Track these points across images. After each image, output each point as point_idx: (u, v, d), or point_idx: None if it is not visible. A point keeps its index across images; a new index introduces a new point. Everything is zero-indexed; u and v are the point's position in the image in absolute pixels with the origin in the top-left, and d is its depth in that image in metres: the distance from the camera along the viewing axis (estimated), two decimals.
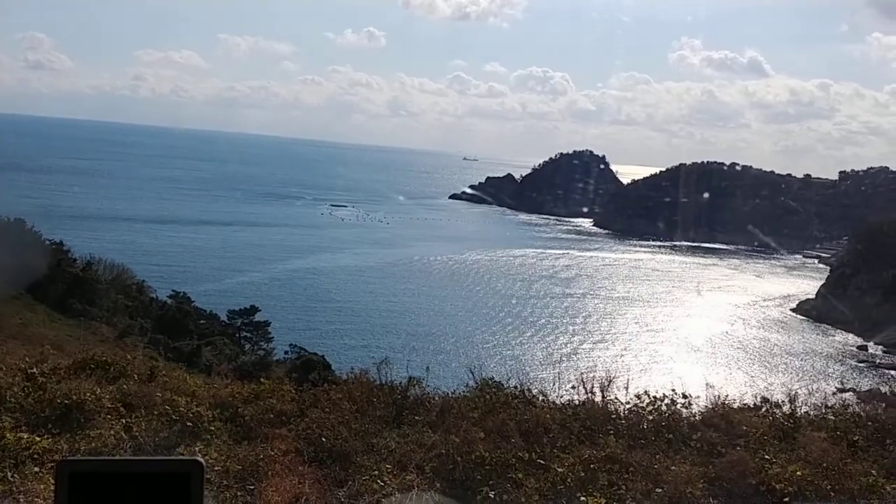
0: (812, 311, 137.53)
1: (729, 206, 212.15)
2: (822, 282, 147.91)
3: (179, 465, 2.91)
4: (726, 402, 13.75)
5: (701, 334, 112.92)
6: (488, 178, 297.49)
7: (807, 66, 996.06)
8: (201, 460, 2.93)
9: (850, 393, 63.01)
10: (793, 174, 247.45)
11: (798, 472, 10.34)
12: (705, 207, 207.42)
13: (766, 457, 10.96)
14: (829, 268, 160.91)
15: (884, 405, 15.58)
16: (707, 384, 14.69)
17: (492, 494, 9.78)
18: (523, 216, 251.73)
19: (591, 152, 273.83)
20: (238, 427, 11.71)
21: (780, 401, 14.36)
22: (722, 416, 12.90)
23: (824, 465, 10.82)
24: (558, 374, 17.77)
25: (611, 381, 13.96)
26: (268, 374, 30.87)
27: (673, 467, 10.51)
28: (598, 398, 13.57)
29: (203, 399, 12.53)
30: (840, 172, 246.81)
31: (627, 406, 13.22)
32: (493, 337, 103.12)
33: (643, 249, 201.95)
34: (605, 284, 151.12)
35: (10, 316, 49.75)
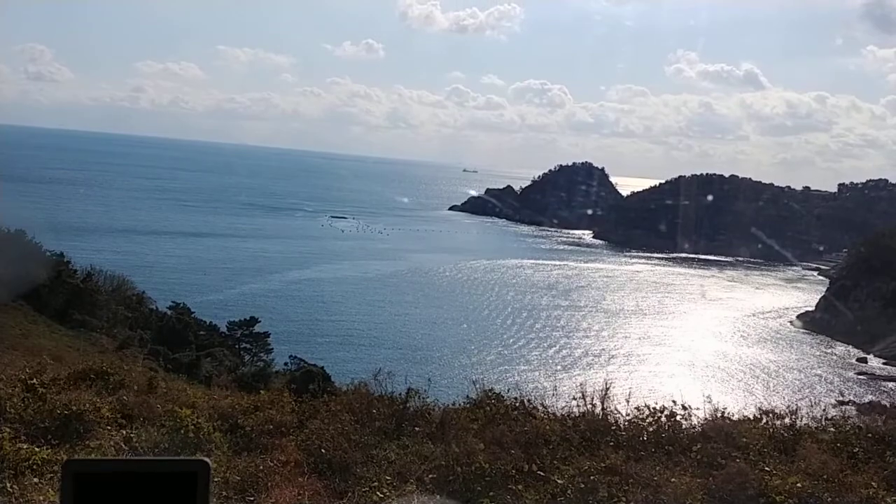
0: (812, 323, 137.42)
1: (728, 219, 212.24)
2: (822, 294, 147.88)
3: (185, 465, 2.88)
4: (726, 414, 13.74)
5: (701, 347, 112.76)
6: (488, 189, 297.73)
7: (803, 78, 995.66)
8: (207, 460, 2.89)
9: (850, 405, 62.98)
10: (792, 186, 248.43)
11: (798, 484, 10.32)
12: (704, 219, 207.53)
13: (766, 469, 10.96)
14: (828, 280, 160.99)
15: (884, 417, 15.56)
16: (707, 396, 14.68)
17: None
18: (523, 228, 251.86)
19: (590, 164, 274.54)
20: (238, 438, 11.71)
21: (779, 413, 14.35)
22: (722, 427, 12.89)
23: (824, 476, 10.80)
24: (558, 384, 17.76)
25: (610, 392, 13.96)
26: (267, 385, 30.86)
27: (673, 479, 10.50)
28: (598, 410, 13.57)
29: (203, 410, 12.52)
30: (839, 185, 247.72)
31: (627, 418, 13.22)
32: (493, 348, 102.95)
33: (642, 261, 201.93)
34: (605, 296, 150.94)
35: (10, 327, 49.69)
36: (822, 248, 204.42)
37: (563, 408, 14.43)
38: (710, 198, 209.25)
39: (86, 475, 2.80)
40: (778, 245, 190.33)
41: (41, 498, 8.49)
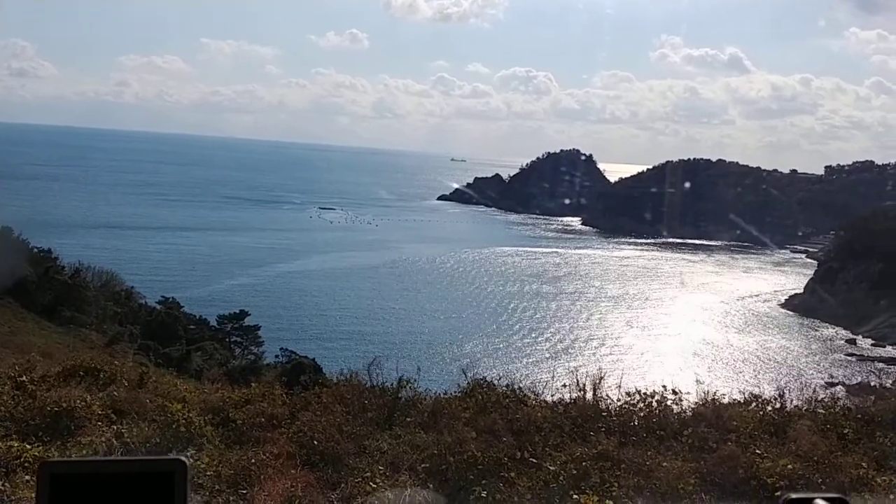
0: (800, 306, 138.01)
1: (715, 203, 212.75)
2: (810, 276, 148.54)
3: (162, 465, 2.84)
4: (716, 397, 13.80)
5: (690, 332, 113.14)
6: (476, 178, 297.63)
7: (787, 61, 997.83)
8: (185, 459, 2.85)
9: (840, 386, 63.30)
10: (779, 169, 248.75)
11: (789, 466, 10.39)
12: (692, 204, 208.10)
13: (757, 451, 11.01)
14: (816, 262, 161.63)
15: (873, 398, 15.66)
16: (697, 380, 14.74)
17: (484, 494, 9.78)
18: (512, 216, 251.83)
19: (577, 151, 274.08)
20: (230, 432, 11.69)
21: (769, 396, 14.42)
22: (712, 411, 12.94)
23: (815, 458, 10.87)
24: (550, 372, 17.79)
25: (601, 379, 13.98)
26: (258, 378, 30.81)
27: (665, 463, 10.55)
28: (589, 396, 13.60)
29: (194, 404, 12.50)
30: (826, 167, 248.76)
31: (618, 403, 13.25)
32: (484, 337, 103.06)
33: (631, 247, 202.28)
34: (594, 283, 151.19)
35: None
36: (809, 231, 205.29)
37: (554, 394, 14.46)
38: (696, 183, 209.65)
39: (62, 476, 2.77)
40: (765, 228, 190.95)
41: (32, 495, 8.43)
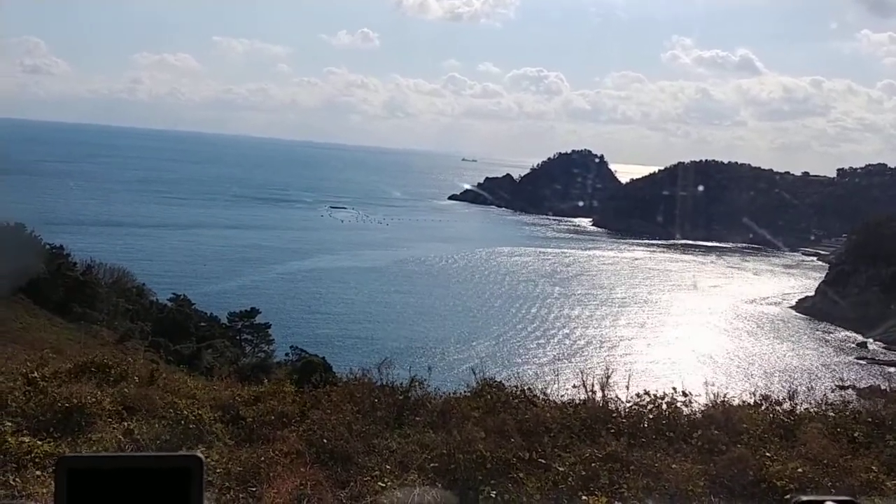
0: (812, 308, 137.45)
1: (727, 204, 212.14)
2: (822, 279, 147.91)
3: (179, 461, 2.91)
4: (726, 399, 13.75)
5: (700, 334, 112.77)
6: (487, 178, 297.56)
7: (798, 63, 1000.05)
8: (201, 456, 2.91)
9: (850, 389, 62.97)
10: (791, 171, 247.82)
11: (799, 469, 10.35)
12: (703, 205, 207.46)
13: (767, 454, 10.97)
14: (827, 265, 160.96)
15: (884, 401, 15.57)
16: (707, 382, 14.70)
17: (493, 494, 9.79)
18: (523, 216, 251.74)
19: (588, 151, 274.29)
20: (239, 429, 11.72)
21: (780, 398, 14.37)
22: (722, 413, 12.90)
23: (825, 461, 10.83)
24: (558, 373, 17.75)
25: (610, 379, 13.96)
26: (268, 376, 30.87)
27: (674, 465, 10.52)
28: (598, 397, 13.58)
29: (204, 401, 12.53)
30: (838, 170, 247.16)
31: (628, 405, 13.22)
32: (494, 337, 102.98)
33: (642, 248, 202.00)
34: (605, 284, 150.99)
35: (10, 320, 49.78)
36: (820, 234, 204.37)
37: (563, 395, 14.44)
38: (708, 184, 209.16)
39: (80, 471, 2.82)
40: (776, 231, 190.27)
41: (44, 491, 8.51)
